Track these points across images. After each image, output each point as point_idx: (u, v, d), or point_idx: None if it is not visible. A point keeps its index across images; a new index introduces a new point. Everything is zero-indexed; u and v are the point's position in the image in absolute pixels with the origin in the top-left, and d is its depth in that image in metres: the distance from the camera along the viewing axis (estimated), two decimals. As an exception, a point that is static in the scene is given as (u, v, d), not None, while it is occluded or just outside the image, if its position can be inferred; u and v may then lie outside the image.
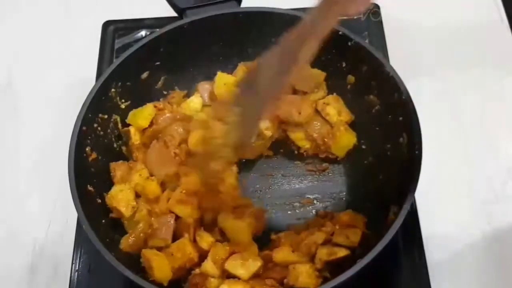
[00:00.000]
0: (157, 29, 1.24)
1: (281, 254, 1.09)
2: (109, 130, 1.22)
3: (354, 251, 1.08)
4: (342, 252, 1.07)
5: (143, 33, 1.50)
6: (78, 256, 1.19)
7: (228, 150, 1.00)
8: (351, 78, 1.25)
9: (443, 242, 1.20)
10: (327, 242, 1.10)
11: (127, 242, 1.11)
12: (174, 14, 1.32)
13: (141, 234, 1.11)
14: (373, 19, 1.44)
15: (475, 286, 1.16)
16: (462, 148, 1.32)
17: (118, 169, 1.20)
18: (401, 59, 1.34)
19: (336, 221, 1.13)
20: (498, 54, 1.45)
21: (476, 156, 1.31)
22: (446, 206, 1.25)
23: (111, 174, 1.20)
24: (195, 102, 1.30)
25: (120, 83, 1.21)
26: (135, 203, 1.15)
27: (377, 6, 1.48)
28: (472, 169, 1.29)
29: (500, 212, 1.24)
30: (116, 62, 1.20)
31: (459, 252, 1.20)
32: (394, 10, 1.52)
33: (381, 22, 1.46)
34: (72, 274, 1.18)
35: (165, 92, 1.32)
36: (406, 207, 0.99)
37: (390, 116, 1.15)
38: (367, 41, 1.42)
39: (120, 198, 1.14)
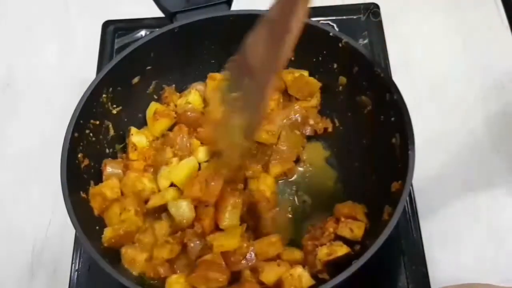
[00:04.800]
0: (157, 29, 1.24)
1: (268, 275, 1.05)
2: (101, 136, 1.21)
3: (353, 248, 1.08)
4: (341, 251, 1.07)
5: (142, 33, 1.51)
6: (78, 256, 1.20)
7: (239, 136, 0.98)
8: (342, 79, 1.25)
9: (443, 242, 1.21)
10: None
11: (110, 235, 1.11)
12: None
13: (123, 232, 1.11)
14: (373, 19, 1.43)
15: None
16: (462, 148, 1.33)
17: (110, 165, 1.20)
18: (401, 59, 1.34)
19: (339, 213, 1.13)
20: (498, 54, 1.45)
21: (477, 155, 1.31)
22: (447, 205, 1.25)
23: (101, 168, 1.19)
24: (193, 97, 1.28)
25: (111, 89, 1.21)
26: (119, 190, 1.16)
27: (377, 6, 1.48)
28: (473, 168, 1.30)
29: (501, 212, 1.25)
30: (107, 67, 1.19)
31: (460, 252, 1.20)
32: (394, 10, 1.52)
33: (381, 22, 1.46)
34: (72, 274, 1.18)
35: (156, 97, 1.31)
36: (400, 208, 0.99)
37: (382, 117, 1.15)
38: (367, 41, 1.42)
39: (106, 184, 1.15)
